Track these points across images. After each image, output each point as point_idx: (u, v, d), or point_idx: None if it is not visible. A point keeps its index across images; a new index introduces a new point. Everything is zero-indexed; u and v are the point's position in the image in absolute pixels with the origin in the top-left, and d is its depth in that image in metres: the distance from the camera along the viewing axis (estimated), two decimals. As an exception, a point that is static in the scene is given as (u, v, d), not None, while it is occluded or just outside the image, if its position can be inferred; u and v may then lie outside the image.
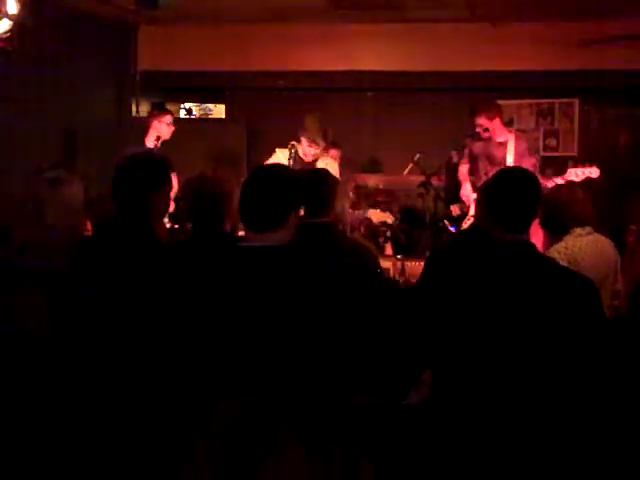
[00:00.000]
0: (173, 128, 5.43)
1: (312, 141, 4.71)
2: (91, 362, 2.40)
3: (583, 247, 3.13)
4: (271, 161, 4.72)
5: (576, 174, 4.60)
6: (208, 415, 1.47)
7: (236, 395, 1.51)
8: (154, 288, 2.32)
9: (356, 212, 5.52)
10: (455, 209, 5.35)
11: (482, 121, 4.99)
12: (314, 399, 1.74)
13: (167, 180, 2.60)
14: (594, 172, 4.59)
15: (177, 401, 2.05)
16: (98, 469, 2.30)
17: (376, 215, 5.39)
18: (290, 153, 4.72)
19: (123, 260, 2.42)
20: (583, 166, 4.67)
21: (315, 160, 4.77)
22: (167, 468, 2.04)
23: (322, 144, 4.78)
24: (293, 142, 4.75)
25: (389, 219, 5.47)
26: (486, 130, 5.05)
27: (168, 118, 5.46)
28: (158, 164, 2.61)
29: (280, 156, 4.86)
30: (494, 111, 5.04)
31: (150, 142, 5.39)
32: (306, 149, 4.72)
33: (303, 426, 1.41)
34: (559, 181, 4.51)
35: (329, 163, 4.71)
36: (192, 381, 2.02)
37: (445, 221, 5.39)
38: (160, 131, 5.40)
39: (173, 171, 2.66)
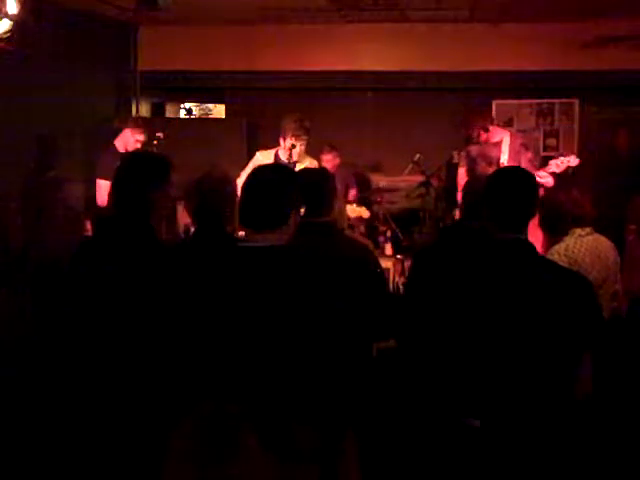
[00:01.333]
0: (139, 146, 5.47)
1: (297, 136, 4.66)
2: (88, 360, 2.41)
3: (583, 248, 3.13)
4: (251, 164, 4.68)
5: (557, 165, 4.69)
6: (186, 414, 1.47)
7: (221, 396, 1.51)
8: (154, 288, 2.33)
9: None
10: (458, 213, 5.38)
11: (479, 131, 5.08)
12: (296, 401, 1.73)
13: (168, 180, 2.60)
14: (572, 160, 4.68)
15: (167, 398, 2.06)
16: (81, 464, 2.32)
17: (352, 210, 5.35)
18: (291, 151, 4.69)
19: (123, 260, 2.43)
20: (562, 156, 4.79)
21: (296, 162, 4.70)
22: (144, 466, 2.04)
23: (305, 137, 4.71)
24: (293, 142, 4.72)
25: (365, 214, 5.44)
26: (487, 130, 5.09)
27: (141, 135, 5.52)
28: (159, 164, 2.61)
29: (260, 159, 4.80)
30: (486, 116, 5.14)
31: (121, 146, 5.47)
32: (291, 149, 4.66)
33: (268, 430, 1.41)
34: (542, 174, 4.58)
35: (310, 165, 4.65)
36: (188, 378, 2.03)
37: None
38: (128, 142, 5.46)
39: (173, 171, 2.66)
